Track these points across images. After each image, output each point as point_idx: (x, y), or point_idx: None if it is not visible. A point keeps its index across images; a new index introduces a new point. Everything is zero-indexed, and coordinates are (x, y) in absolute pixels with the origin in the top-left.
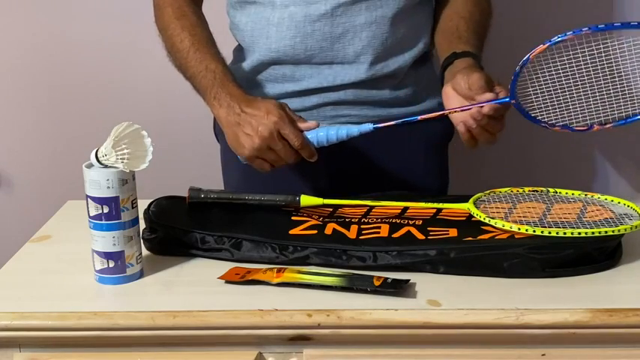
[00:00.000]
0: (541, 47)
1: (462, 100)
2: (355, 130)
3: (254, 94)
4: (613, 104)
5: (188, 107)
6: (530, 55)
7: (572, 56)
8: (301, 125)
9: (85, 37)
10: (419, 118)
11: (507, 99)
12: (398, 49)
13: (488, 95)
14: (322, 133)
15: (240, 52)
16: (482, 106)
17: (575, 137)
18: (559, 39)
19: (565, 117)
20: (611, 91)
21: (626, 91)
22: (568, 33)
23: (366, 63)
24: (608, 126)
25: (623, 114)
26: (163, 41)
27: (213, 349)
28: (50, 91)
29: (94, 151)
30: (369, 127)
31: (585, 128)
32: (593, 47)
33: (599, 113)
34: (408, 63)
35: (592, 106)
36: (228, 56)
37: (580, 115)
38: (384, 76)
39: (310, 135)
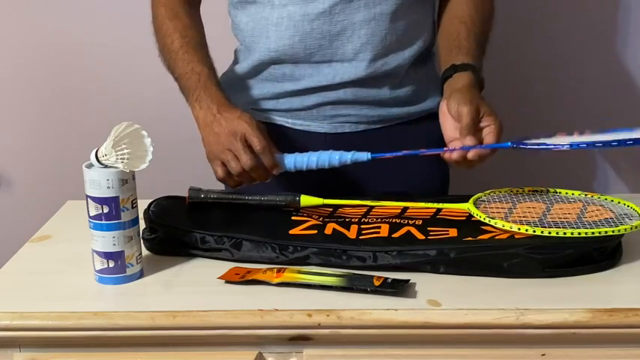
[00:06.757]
0: (562, 148)
1: (455, 122)
2: (348, 156)
3: (254, 94)
4: None
5: (188, 107)
6: (552, 151)
7: None
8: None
9: (85, 38)
10: (419, 153)
11: (508, 144)
12: (397, 46)
13: (469, 141)
14: (314, 157)
15: (241, 52)
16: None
17: None
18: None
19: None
20: None
21: None
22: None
23: (366, 60)
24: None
25: None
26: (156, 41)
27: (213, 349)
28: (50, 91)
29: (94, 151)
30: (366, 155)
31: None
32: None
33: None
34: (407, 61)
35: None
36: (229, 56)
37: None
38: (384, 74)
39: (301, 157)
